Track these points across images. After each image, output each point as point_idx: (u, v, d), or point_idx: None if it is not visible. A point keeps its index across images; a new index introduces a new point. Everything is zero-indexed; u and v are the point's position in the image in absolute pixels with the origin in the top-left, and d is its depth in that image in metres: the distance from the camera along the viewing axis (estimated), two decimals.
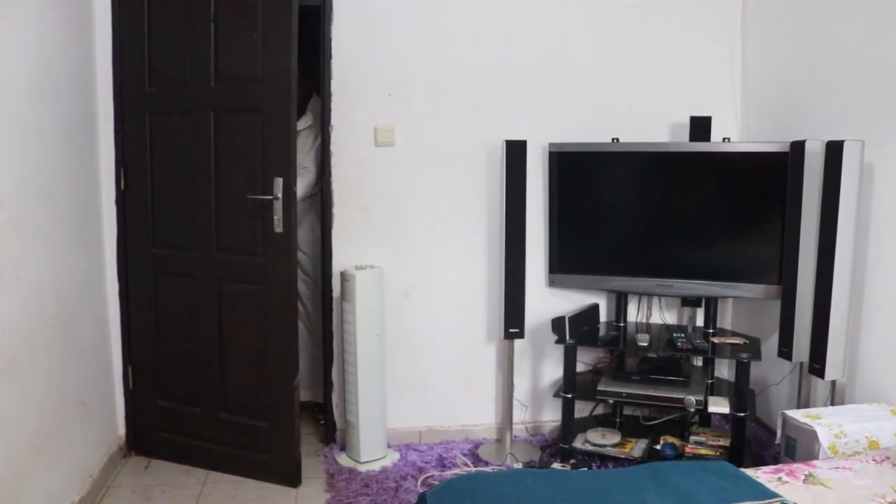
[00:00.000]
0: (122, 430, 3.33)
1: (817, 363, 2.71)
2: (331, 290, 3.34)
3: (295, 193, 2.93)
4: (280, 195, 2.89)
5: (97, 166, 3.11)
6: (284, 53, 2.83)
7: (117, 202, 3.18)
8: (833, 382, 2.74)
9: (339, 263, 3.33)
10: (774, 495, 1.89)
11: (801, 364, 2.90)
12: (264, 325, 3.02)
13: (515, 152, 3.22)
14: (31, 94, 2.44)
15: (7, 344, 2.21)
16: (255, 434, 3.11)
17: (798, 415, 2.45)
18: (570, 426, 3.21)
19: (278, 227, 2.91)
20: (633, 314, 3.58)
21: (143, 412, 3.29)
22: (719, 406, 3.00)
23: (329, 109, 3.27)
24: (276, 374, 3.03)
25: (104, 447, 3.12)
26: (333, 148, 3.29)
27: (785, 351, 2.90)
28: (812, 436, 2.31)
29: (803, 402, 2.91)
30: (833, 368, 2.68)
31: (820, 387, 2.89)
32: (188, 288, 3.14)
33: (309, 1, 3.61)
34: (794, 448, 2.42)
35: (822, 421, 2.36)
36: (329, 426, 3.48)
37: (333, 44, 3.25)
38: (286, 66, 2.83)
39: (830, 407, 2.64)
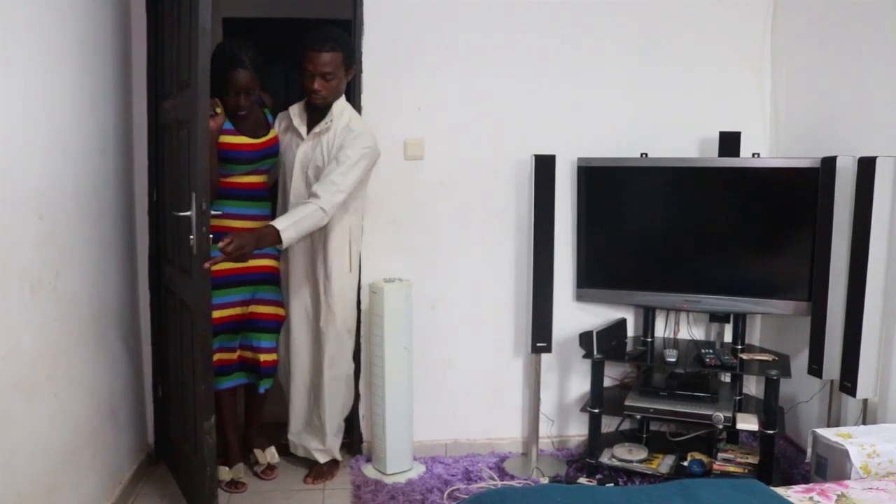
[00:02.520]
0: (151, 438, 3.37)
1: (848, 381, 2.69)
2: (359, 303, 3.36)
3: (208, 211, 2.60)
4: (193, 212, 2.55)
5: (132, 178, 3.17)
6: (193, 68, 2.51)
7: (150, 213, 3.23)
8: (865, 401, 2.71)
9: (367, 276, 3.35)
10: None
11: (832, 382, 2.87)
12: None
13: (544, 167, 3.23)
14: (71, 108, 2.49)
15: (44, 353, 2.25)
16: None
17: (829, 433, 2.43)
18: (596, 441, 3.20)
19: (194, 249, 2.56)
20: (661, 329, 3.56)
21: (170, 421, 3.32)
22: (748, 423, 2.98)
23: None
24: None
25: (134, 455, 3.16)
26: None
27: (815, 368, 2.88)
28: (844, 455, 2.29)
29: (833, 420, 2.89)
30: (865, 387, 2.66)
31: (851, 405, 2.86)
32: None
33: (340, 15, 3.66)
34: (825, 467, 2.40)
35: (854, 440, 2.34)
36: (356, 437, 3.49)
37: (364, 57, 3.29)
38: (195, 79, 2.51)
39: (862, 426, 2.62)
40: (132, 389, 3.17)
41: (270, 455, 3.29)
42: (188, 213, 2.56)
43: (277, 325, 3.24)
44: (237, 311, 3.12)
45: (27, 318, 2.15)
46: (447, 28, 3.35)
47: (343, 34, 3.07)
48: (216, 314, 2.91)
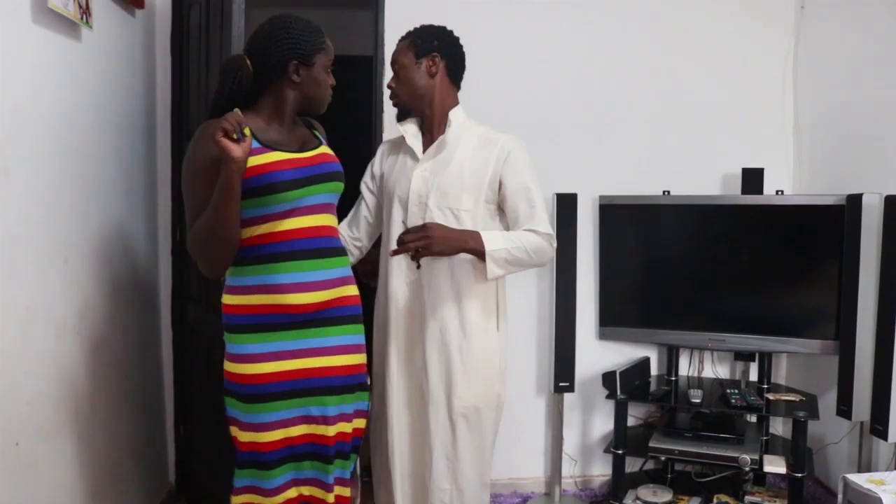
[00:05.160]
0: (172, 476, 3.36)
1: (879, 424, 2.64)
2: None
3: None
4: None
5: (155, 219, 3.19)
6: None
7: (173, 253, 3.25)
8: None
9: None
10: None
11: (862, 424, 2.82)
12: None
13: (566, 205, 3.22)
14: (96, 153, 2.52)
15: (68, 397, 2.26)
16: None
17: (861, 479, 2.37)
18: (620, 482, 3.16)
19: None
20: (685, 367, 3.52)
21: (192, 459, 3.32)
22: (776, 466, 2.93)
23: None
24: None
25: (155, 493, 3.15)
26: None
27: (844, 409, 2.83)
28: (877, 503, 2.24)
29: (864, 464, 2.83)
30: None
31: (882, 448, 2.80)
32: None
33: (362, 52, 3.70)
34: None
35: (888, 487, 2.28)
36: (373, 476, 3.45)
37: (385, 94, 3.30)
38: None
39: (895, 472, 2.56)
40: (154, 428, 3.17)
41: None
42: None
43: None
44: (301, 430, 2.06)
45: (52, 362, 2.16)
46: (469, 67, 3.35)
47: (426, 27, 2.45)
48: (268, 437, 2.01)
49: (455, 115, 2.41)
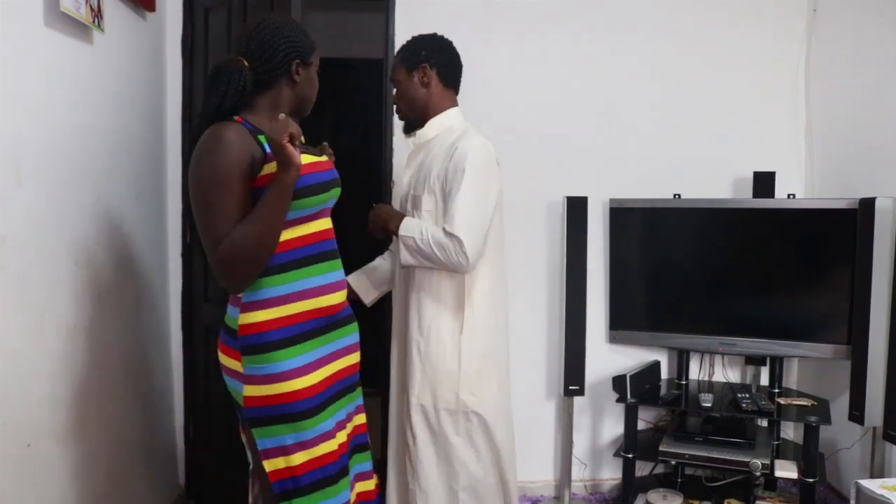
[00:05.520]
0: (182, 478, 3.36)
1: (892, 429, 2.62)
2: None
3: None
4: None
5: (164, 221, 3.20)
6: None
7: (183, 255, 3.26)
8: None
9: None
10: None
11: (874, 429, 2.80)
12: None
13: (576, 208, 3.22)
14: (107, 156, 2.53)
15: (79, 400, 2.27)
16: None
17: (873, 485, 2.35)
18: (630, 487, 3.14)
19: None
20: (696, 371, 3.51)
21: (202, 461, 3.33)
22: (787, 470, 2.91)
23: (391, 165, 3.31)
24: None
25: (165, 495, 3.16)
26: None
27: (856, 415, 2.81)
28: None
29: (877, 469, 2.81)
30: None
31: (895, 454, 2.78)
32: None
33: (371, 55, 3.70)
34: None
35: None
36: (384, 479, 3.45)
37: None
38: None
39: None
40: (164, 429, 3.18)
41: None
42: None
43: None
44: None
45: (62, 364, 2.17)
46: (476, 70, 3.35)
47: (414, 38, 2.51)
48: (333, 444, 1.93)
49: (436, 120, 2.47)
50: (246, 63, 1.88)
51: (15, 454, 1.91)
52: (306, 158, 1.87)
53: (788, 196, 3.21)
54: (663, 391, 3.31)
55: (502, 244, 2.52)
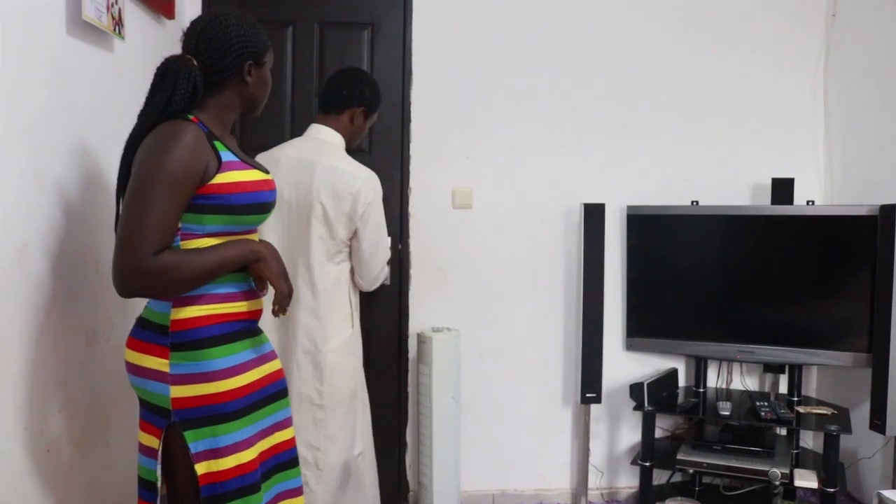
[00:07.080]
0: None
1: None
2: (406, 352, 3.35)
3: None
4: None
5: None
6: None
7: None
8: None
9: (415, 325, 3.34)
10: None
11: None
12: None
13: (594, 215, 3.21)
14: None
15: (97, 404, 2.28)
16: None
17: (895, 496, 2.33)
18: (647, 495, 3.13)
19: None
20: (713, 379, 3.48)
21: None
22: (807, 480, 2.88)
23: (408, 172, 3.32)
24: None
25: None
26: (411, 210, 3.33)
27: (877, 424, 2.79)
28: None
29: None
30: None
31: None
32: None
33: None
34: None
35: None
36: (402, 487, 3.45)
37: (413, 107, 3.32)
38: None
39: None
40: None
41: None
42: None
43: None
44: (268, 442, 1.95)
45: (82, 370, 2.18)
46: (495, 77, 3.36)
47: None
48: (254, 452, 1.84)
49: None
50: (195, 63, 1.78)
51: (34, 460, 1.92)
52: (254, 175, 1.82)
53: (807, 203, 3.19)
54: (681, 399, 3.30)
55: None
